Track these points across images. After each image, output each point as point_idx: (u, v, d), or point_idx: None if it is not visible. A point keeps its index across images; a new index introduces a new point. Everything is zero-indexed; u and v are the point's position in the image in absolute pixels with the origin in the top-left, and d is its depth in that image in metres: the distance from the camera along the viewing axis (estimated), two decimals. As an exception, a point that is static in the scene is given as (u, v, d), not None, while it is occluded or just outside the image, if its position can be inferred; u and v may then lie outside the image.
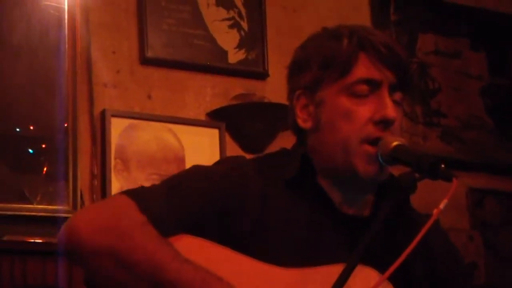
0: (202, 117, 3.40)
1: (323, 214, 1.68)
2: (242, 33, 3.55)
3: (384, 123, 1.63)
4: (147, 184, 1.71)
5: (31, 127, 3.01)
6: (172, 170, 3.17)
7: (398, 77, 1.67)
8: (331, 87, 1.67)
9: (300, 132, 1.76)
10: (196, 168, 1.73)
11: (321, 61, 1.69)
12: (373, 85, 1.65)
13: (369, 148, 1.62)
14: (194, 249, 1.56)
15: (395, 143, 1.60)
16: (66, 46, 3.08)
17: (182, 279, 1.47)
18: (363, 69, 1.65)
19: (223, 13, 3.52)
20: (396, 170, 1.62)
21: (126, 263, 1.50)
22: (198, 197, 1.63)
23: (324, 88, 1.68)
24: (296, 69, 1.76)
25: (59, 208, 2.92)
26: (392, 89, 1.66)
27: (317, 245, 1.65)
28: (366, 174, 1.63)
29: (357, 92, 1.65)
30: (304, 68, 1.72)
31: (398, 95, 1.68)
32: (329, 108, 1.67)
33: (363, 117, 1.63)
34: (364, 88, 1.65)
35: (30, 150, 2.98)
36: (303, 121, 1.72)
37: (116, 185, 3.09)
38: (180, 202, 1.61)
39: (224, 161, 1.81)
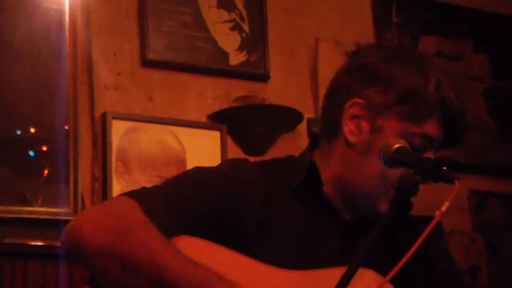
0: (204, 119, 3.39)
1: (326, 219, 1.69)
2: (243, 35, 3.55)
3: None
4: (148, 186, 1.71)
5: (32, 130, 3.01)
6: (173, 172, 3.14)
7: (446, 146, 1.69)
8: (396, 122, 1.64)
9: (333, 134, 1.71)
10: (198, 169, 1.72)
11: (401, 93, 1.64)
12: (429, 144, 1.65)
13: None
14: (195, 250, 1.55)
15: (397, 145, 1.60)
16: (67, 48, 3.09)
17: (184, 277, 1.47)
18: (433, 128, 1.64)
19: (224, 15, 3.52)
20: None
21: (128, 262, 1.50)
22: (200, 198, 1.62)
23: (388, 117, 1.65)
24: (367, 76, 1.68)
25: (60, 211, 2.92)
26: (435, 152, 1.67)
27: (318, 248, 1.65)
28: (383, 211, 1.63)
29: (413, 144, 1.62)
30: (379, 84, 1.66)
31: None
32: None
33: None
34: (421, 142, 1.64)
35: (31, 153, 2.98)
36: (350, 132, 1.67)
37: (117, 188, 3.09)
38: (181, 203, 1.61)
39: (226, 163, 1.81)
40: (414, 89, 1.64)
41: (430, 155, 1.65)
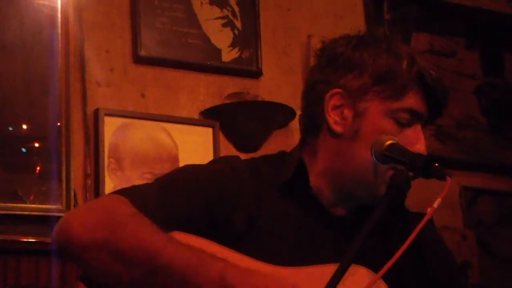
0: (196, 116, 3.39)
1: (315, 216, 1.69)
2: (236, 31, 3.55)
3: None
4: (140, 183, 1.71)
5: (24, 126, 3.00)
6: (166, 169, 3.16)
7: (434, 114, 1.70)
8: (377, 103, 1.66)
9: (316, 130, 1.72)
10: (190, 167, 1.73)
11: (376, 74, 1.66)
12: (415, 117, 1.67)
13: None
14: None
15: (388, 142, 1.61)
16: (60, 44, 3.08)
17: (177, 260, 1.47)
18: (414, 100, 1.66)
19: (216, 11, 3.52)
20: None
21: (120, 252, 1.49)
22: (192, 195, 1.63)
23: (369, 100, 1.66)
24: (339, 66, 1.70)
25: (52, 208, 2.91)
26: (423, 123, 1.69)
27: (308, 246, 1.65)
28: (380, 194, 1.62)
29: (399, 119, 1.65)
30: (353, 71, 1.68)
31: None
32: (371, 124, 1.65)
33: None
34: (406, 116, 1.65)
35: (23, 149, 2.97)
36: (335, 122, 1.68)
37: (110, 184, 3.08)
38: (173, 200, 1.61)
39: (218, 160, 1.81)
40: (388, 68, 1.66)
41: (418, 128, 1.67)
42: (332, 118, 1.68)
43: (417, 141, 1.65)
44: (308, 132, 1.75)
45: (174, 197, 1.62)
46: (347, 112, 1.67)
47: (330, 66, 1.71)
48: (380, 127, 1.64)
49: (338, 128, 1.68)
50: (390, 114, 1.65)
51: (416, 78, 1.66)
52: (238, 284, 1.44)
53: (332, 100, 1.68)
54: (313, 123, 1.72)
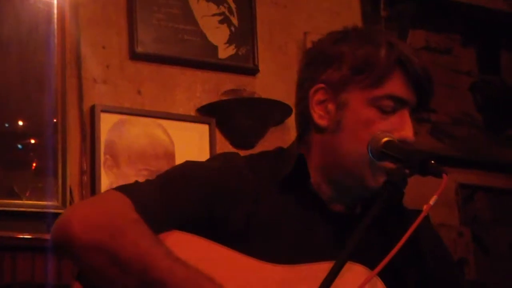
0: (192, 113, 3.39)
1: (314, 213, 1.69)
2: (232, 28, 3.55)
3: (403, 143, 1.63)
4: (137, 180, 1.70)
5: (20, 123, 3.00)
6: (162, 165, 3.16)
7: (422, 100, 1.69)
8: (358, 93, 1.66)
9: (306, 126, 1.74)
10: (190, 164, 1.73)
11: (355, 65, 1.67)
12: (399, 103, 1.66)
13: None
14: (185, 245, 1.56)
15: (385, 139, 1.61)
16: (56, 41, 3.07)
17: (173, 277, 1.46)
18: (396, 86, 1.66)
19: (213, 8, 3.52)
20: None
21: (118, 260, 1.49)
22: (191, 193, 1.63)
23: (349, 91, 1.67)
24: (321, 62, 1.72)
25: (48, 204, 2.91)
26: (412, 110, 1.68)
27: (307, 242, 1.65)
28: (374, 185, 1.63)
29: (382, 107, 1.65)
30: (332, 64, 1.70)
31: (414, 115, 1.69)
32: (353, 114, 1.66)
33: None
34: (390, 104, 1.65)
35: (19, 146, 2.97)
36: (319, 117, 1.70)
37: (106, 181, 3.08)
38: (173, 198, 1.62)
39: (217, 158, 1.81)
40: (366, 57, 1.66)
41: (404, 114, 1.66)
42: (317, 113, 1.70)
43: (403, 127, 1.65)
44: (301, 129, 1.76)
45: (174, 195, 1.62)
46: (331, 106, 1.69)
47: (313, 63, 1.74)
48: (362, 116, 1.65)
49: (322, 123, 1.69)
50: (373, 103, 1.65)
51: (396, 63, 1.66)
52: None
53: (316, 95, 1.70)
54: (303, 120, 1.74)
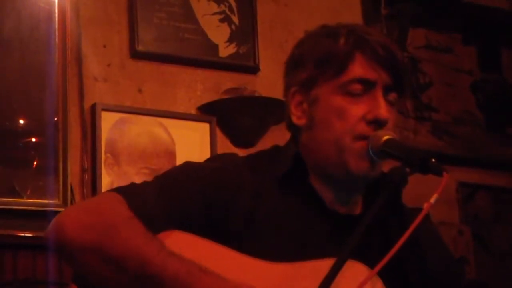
0: (193, 111, 3.39)
1: (314, 211, 1.69)
2: (233, 27, 3.55)
3: (377, 123, 1.63)
4: (137, 178, 1.71)
5: (21, 121, 3.00)
6: (163, 164, 3.16)
7: (394, 78, 1.68)
8: (326, 85, 1.68)
9: (294, 129, 1.76)
10: (189, 165, 1.73)
11: (317, 59, 1.69)
12: (368, 84, 1.66)
13: (361, 144, 1.63)
14: (184, 244, 1.56)
15: (385, 137, 1.61)
16: (57, 39, 3.08)
17: (167, 271, 1.47)
18: (359, 68, 1.66)
19: (213, 7, 3.52)
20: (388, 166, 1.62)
21: (111, 257, 1.50)
22: (190, 194, 1.63)
23: (319, 86, 1.69)
24: (292, 66, 1.77)
25: (49, 202, 2.91)
26: (386, 90, 1.67)
27: (307, 240, 1.66)
28: (357, 171, 1.64)
29: (351, 91, 1.65)
30: (300, 65, 1.73)
31: (392, 96, 1.68)
32: (323, 106, 1.68)
33: (356, 115, 1.64)
34: (358, 87, 1.65)
35: (20, 144, 2.97)
36: (297, 118, 1.73)
37: (107, 180, 3.08)
38: (171, 198, 1.62)
39: (216, 158, 1.82)
40: (325, 50, 1.69)
41: (376, 95, 1.66)
42: (295, 115, 1.73)
43: (375, 107, 1.64)
44: (291, 132, 1.79)
45: (173, 195, 1.62)
46: (305, 105, 1.72)
47: (287, 69, 1.79)
48: (332, 105, 1.66)
49: (300, 122, 1.72)
50: (341, 90, 1.66)
51: (355, 48, 1.66)
52: None
53: (294, 99, 1.74)
54: (288, 124, 1.78)
